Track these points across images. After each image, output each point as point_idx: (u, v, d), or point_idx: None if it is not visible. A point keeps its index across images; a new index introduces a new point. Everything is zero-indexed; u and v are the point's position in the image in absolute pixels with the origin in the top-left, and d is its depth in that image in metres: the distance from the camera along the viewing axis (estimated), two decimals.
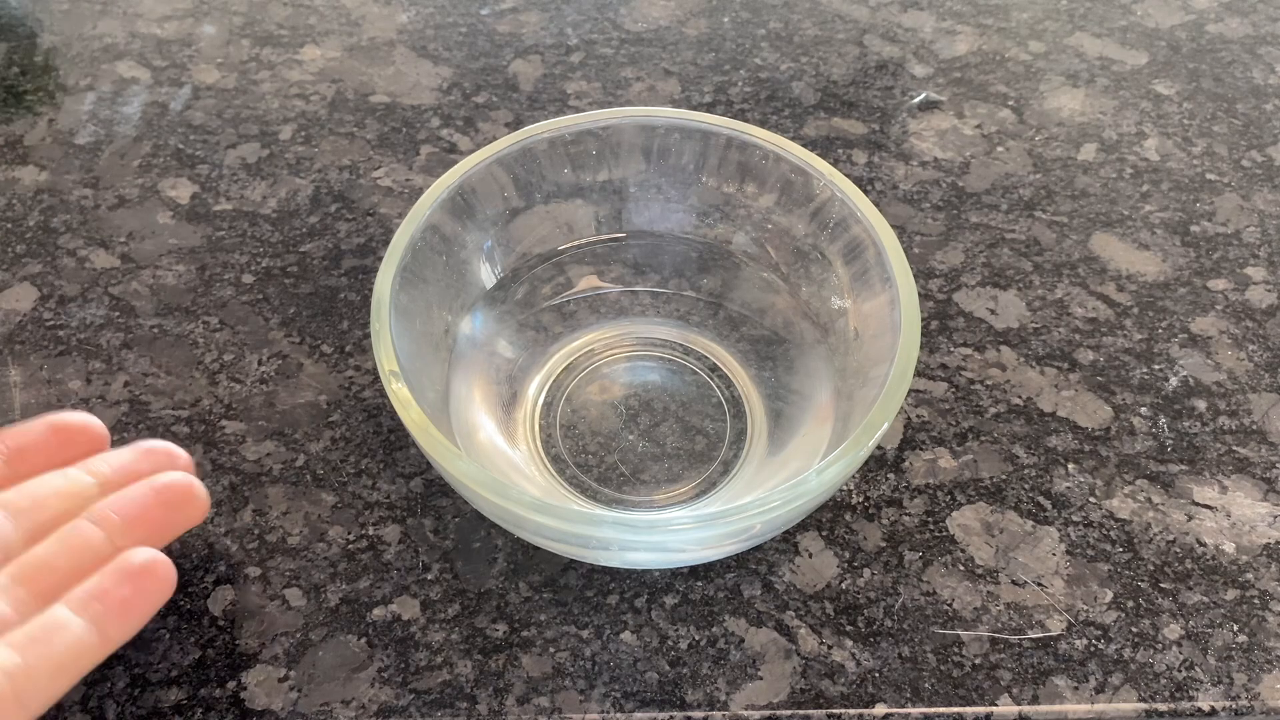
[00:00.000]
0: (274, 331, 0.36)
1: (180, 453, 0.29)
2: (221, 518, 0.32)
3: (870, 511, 0.32)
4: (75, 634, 0.24)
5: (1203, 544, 0.31)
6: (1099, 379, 0.35)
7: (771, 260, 0.34)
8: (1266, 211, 0.41)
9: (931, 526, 0.32)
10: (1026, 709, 0.28)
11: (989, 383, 0.35)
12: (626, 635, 0.29)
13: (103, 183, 0.41)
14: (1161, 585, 0.30)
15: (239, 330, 0.36)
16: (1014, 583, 0.30)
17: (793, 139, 0.36)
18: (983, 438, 0.34)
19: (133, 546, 0.26)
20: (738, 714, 0.28)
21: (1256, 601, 0.30)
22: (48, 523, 0.26)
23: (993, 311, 0.37)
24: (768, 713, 0.28)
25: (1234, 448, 0.34)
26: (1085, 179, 0.42)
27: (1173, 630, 0.30)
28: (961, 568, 0.31)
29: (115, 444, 0.33)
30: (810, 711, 0.28)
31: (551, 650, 0.29)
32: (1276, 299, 0.38)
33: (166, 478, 0.28)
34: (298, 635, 0.29)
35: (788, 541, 0.31)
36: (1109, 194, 0.41)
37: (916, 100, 0.45)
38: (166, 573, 0.26)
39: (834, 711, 0.28)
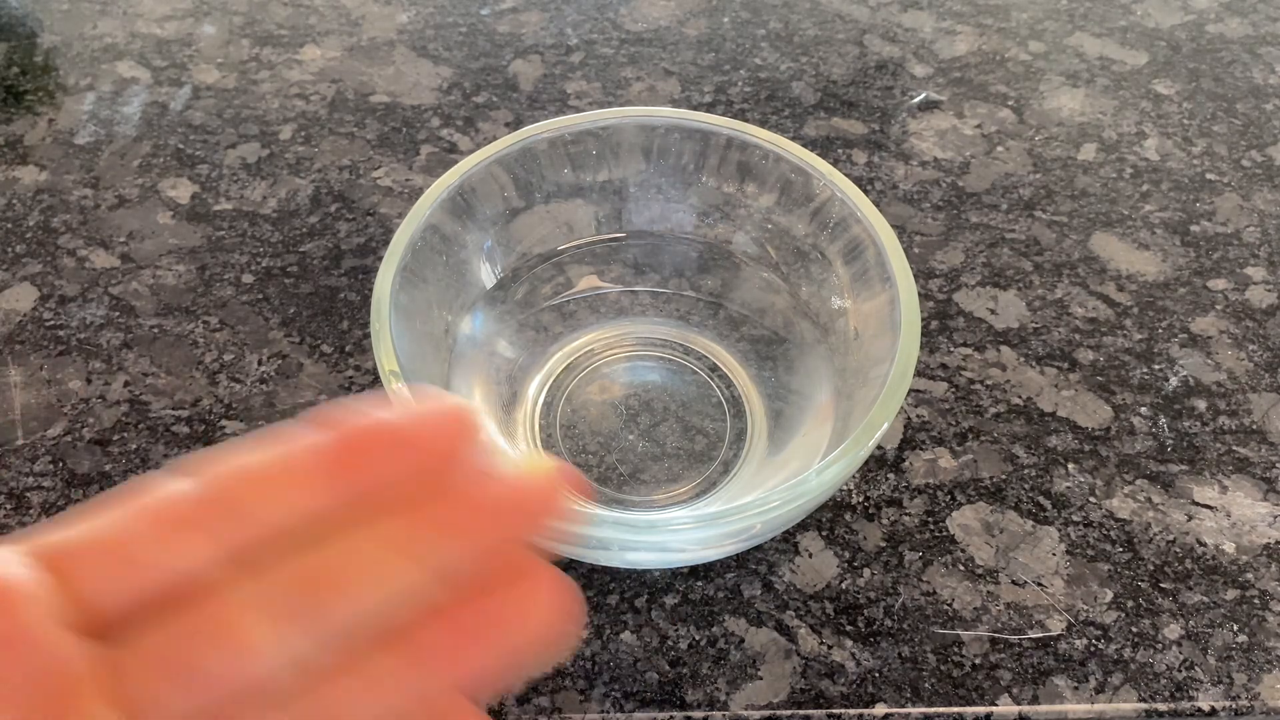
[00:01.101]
0: (274, 331, 0.36)
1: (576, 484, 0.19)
2: None
3: (870, 511, 0.32)
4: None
5: (1203, 544, 0.31)
6: (1099, 379, 0.35)
7: (771, 260, 0.34)
8: (1266, 211, 0.41)
9: (931, 526, 0.32)
10: (1026, 709, 0.28)
11: (989, 383, 0.35)
12: (626, 635, 0.29)
13: (103, 183, 0.41)
14: (1161, 585, 0.30)
15: (239, 330, 0.36)
16: (1014, 583, 0.30)
17: (793, 139, 0.36)
18: (983, 438, 0.34)
19: (452, 697, 0.18)
20: (738, 714, 0.28)
21: (1256, 601, 0.30)
22: (352, 634, 0.17)
23: (993, 311, 0.37)
24: (768, 713, 0.28)
25: (1234, 448, 0.34)
26: (1085, 179, 0.42)
27: (1173, 630, 0.30)
28: (961, 568, 0.31)
29: (116, 443, 0.33)
30: (810, 711, 0.28)
31: None
32: (1276, 299, 0.38)
33: (538, 601, 0.18)
34: None
35: (788, 541, 0.31)
36: (1109, 194, 0.41)
37: (916, 100, 0.45)
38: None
39: (834, 711, 0.28)
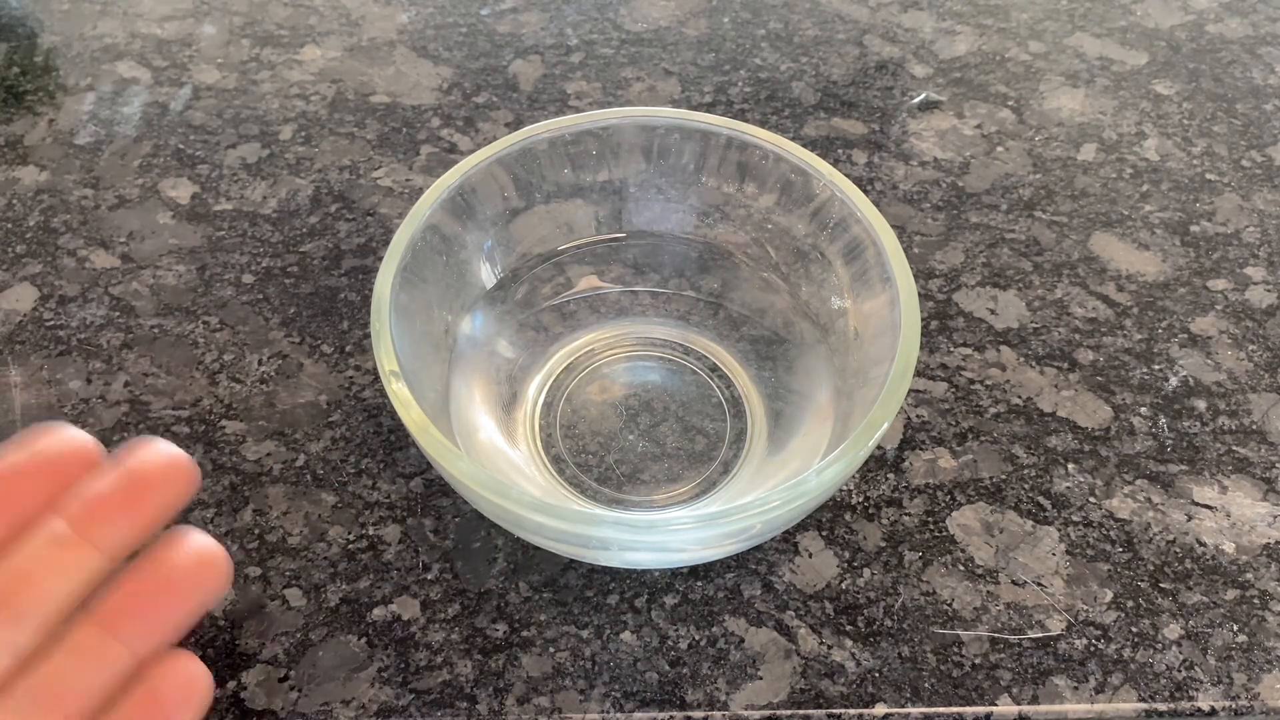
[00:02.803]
0: (274, 331, 0.36)
1: (180, 468, 0.23)
2: (222, 518, 0.32)
3: (870, 511, 0.32)
4: None
5: (1203, 544, 0.31)
6: (1099, 379, 0.35)
7: (771, 260, 0.34)
8: (1266, 211, 0.41)
9: (931, 526, 0.32)
10: (1026, 709, 0.28)
11: (989, 383, 0.35)
12: (626, 635, 0.29)
13: (103, 183, 0.41)
14: (1161, 585, 0.30)
15: (239, 330, 0.36)
16: (1014, 583, 0.30)
17: (793, 139, 0.36)
18: (983, 438, 0.34)
19: (149, 647, 0.22)
20: (738, 714, 0.28)
21: (1256, 601, 0.30)
22: (51, 618, 0.21)
23: (993, 311, 0.37)
24: (768, 713, 0.28)
25: (1234, 448, 0.34)
26: (1085, 179, 0.42)
27: (1173, 630, 0.30)
28: (961, 568, 0.31)
29: (116, 443, 0.33)
30: (810, 711, 0.28)
31: (551, 650, 0.29)
32: (1276, 299, 0.38)
33: (187, 551, 0.22)
34: (298, 635, 0.29)
35: (788, 541, 0.31)
36: (1109, 194, 0.41)
37: (916, 100, 0.45)
38: (205, 689, 0.22)
39: (834, 711, 0.28)
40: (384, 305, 0.27)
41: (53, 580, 0.21)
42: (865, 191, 0.34)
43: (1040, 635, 0.29)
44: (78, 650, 0.21)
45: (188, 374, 0.35)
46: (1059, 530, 0.32)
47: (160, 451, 0.23)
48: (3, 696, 0.20)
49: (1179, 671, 0.29)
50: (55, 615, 0.21)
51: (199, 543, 0.23)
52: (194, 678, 0.22)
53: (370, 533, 0.31)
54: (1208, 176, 0.42)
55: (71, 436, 0.23)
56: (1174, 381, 0.35)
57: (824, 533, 0.31)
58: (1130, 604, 0.30)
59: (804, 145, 0.35)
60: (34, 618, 0.21)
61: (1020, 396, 0.35)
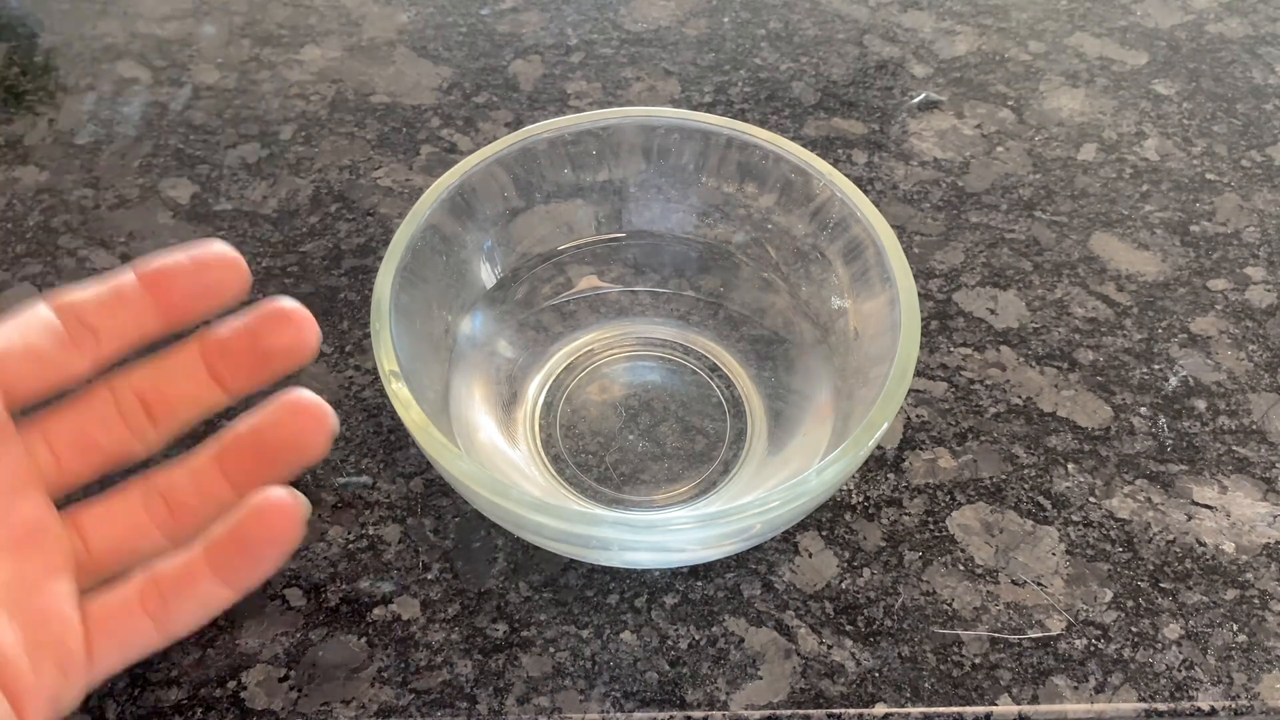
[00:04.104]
0: None
1: (304, 332, 0.27)
2: None
3: (870, 511, 0.32)
4: (213, 592, 0.25)
5: (1202, 544, 0.31)
6: (1099, 379, 0.35)
7: (771, 260, 0.34)
8: (1266, 211, 0.41)
9: (931, 526, 0.32)
10: (1026, 709, 0.28)
11: (989, 383, 0.35)
12: (626, 635, 0.29)
13: (103, 183, 0.41)
14: (1161, 585, 0.30)
15: None
16: (1014, 582, 0.30)
17: (793, 139, 0.36)
18: (982, 438, 0.34)
19: (253, 488, 0.25)
20: (738, 714, 0.28)
21: (1256, 601, 0.30)
22: (176, 436, 0.27)
23: (992, 311, 0.37)
24: (768, 713, 0.28)
25: (1234, 448, 0.34)
26: (1085, 179, 0.42)
27: (1172, 630, 0.30)
28: (961, 567, 0.31)
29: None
30: (810, 711, 0.28)
31: (551, 650, 0.29)
32: (1276, 299, 0.38)
33: (298, 410, 0.26)
34: (298, 635, 0.29)
35: (788, 541, 0.31)
36: (1109, 194, 0.41)
37: (916, 100, 0.45)
38: (300, 518, 0.25)
39: (834, 711, 0.28)
40: (384, 305, 0.27)
41: (185, 409, 0.27)
42: (865, 191, 0.34)
43: (1040, 635, 0.29)
44: (195, 473, 0.26)
45: None
46: (1059, 530, 0.32)
47: (289, 314, 0.27)
48: (139, 485, 0.26)
49: (1179, 671, 0.29)
50: (179, 434, 0.27)
51: (308, 403, 0.26)
52: (289, 507, 0.24)
53: (370, 533, 0.31)
54: (1208, 176, 0.42)
55: (224, 250, 0.27)
56: (1174, 381, 0.35)
57: (824, 533, 0.31)
58: (1130, 604, 0.30)
59: (804, 145, 0.35)
60: (166, 431, 0.27)
61: (1020, 396, 0.35)
